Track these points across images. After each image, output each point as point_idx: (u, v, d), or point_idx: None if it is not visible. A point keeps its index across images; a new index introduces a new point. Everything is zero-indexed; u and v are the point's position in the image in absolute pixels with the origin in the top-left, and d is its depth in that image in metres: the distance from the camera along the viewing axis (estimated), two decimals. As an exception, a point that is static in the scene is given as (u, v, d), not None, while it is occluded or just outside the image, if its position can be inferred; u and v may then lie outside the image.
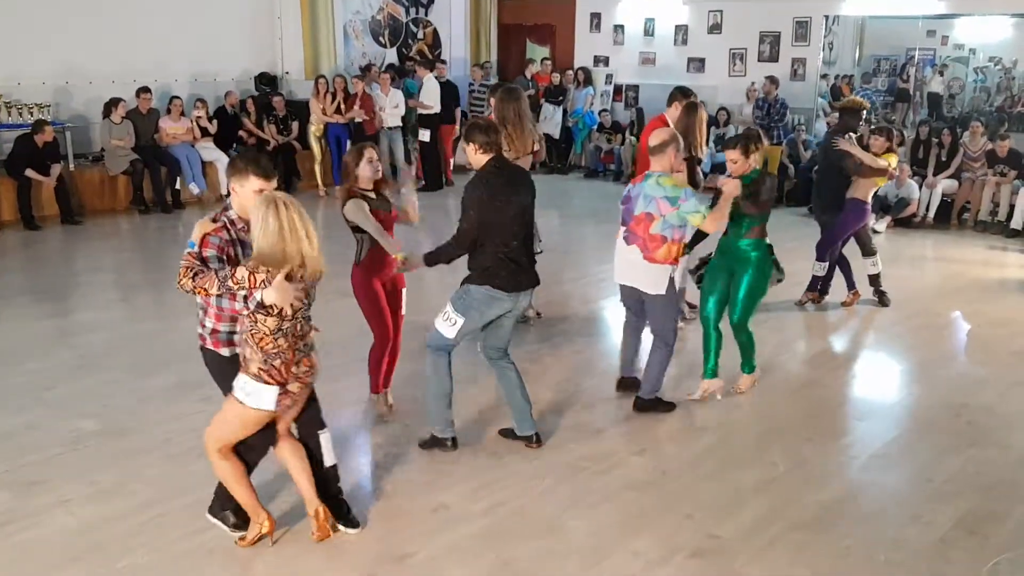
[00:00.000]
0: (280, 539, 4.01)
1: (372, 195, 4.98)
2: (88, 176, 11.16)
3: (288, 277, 3.56)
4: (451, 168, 13.35)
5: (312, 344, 3.83)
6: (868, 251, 7.66)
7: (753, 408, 5.61)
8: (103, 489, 4.45)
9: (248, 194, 3.72)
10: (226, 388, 3.82)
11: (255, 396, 3.64)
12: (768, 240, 5.57)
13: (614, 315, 7.40)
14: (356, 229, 4.99)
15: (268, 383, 3.63)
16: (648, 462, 4.87)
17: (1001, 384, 6.06)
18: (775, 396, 5.84)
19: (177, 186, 11.40)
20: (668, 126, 6.66)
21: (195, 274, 3.60)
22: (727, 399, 5.69)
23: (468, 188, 4.67)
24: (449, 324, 4.72)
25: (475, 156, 4.68)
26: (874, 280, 7.75)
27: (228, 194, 3.92)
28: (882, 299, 7.76)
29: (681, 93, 6.73)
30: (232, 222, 3.77)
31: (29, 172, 10.13)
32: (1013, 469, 4.87)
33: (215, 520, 4.06)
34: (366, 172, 4.94)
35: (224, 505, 4.04)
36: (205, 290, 3.59)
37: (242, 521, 4.01)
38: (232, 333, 3.84)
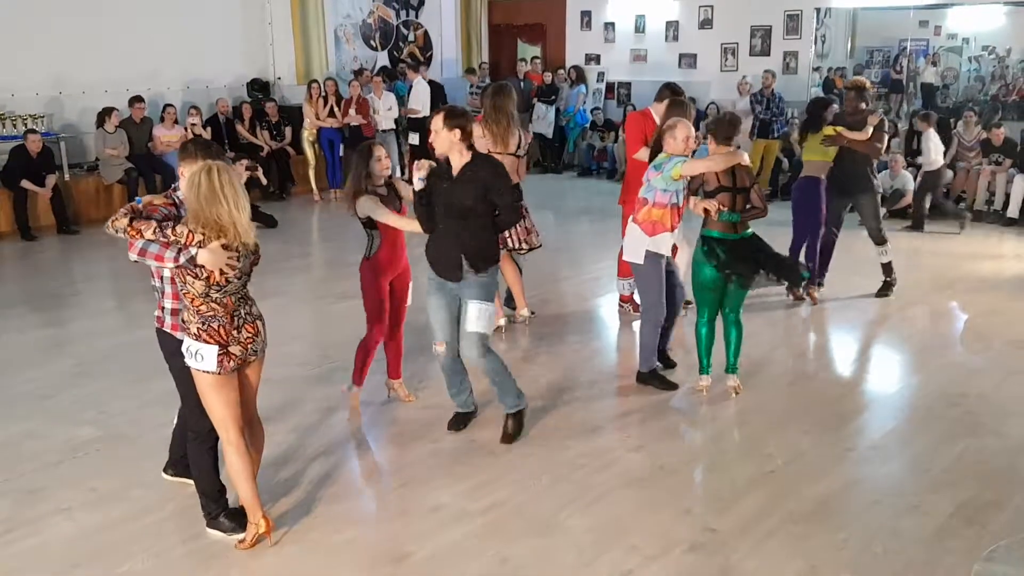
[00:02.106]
0: (280, 540, 4.03)
1: (383, 190, 5.05)
2: (83, 186, 11.17)
3: (225, 246, 3.64)
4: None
5: (259, 314, 3.90)
6: (878, 240, 7.64)
7: (750, 401, 5.62)
8: (103, 496, 4.46)
9: None
10: (175, 367, 3.96)
11: (198, 357, 3.72)
12: (705, 233, 5.47)
13: (609, 313, 7.41)
14: (367, 224, 5.05)
15: (208, 342, 3.70)
16: (645, 458, 4.88)
17: (998, 373, 6.07)
18: (772, 389, 5.85)
19: (172, 193, 11.39)
20: (652, 120, 6.66)
21: (132, 218, 3.63)
22: (724, 393, 5.72)
23: None
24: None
25: None
26: (886, 269, 7.72)
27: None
28: (886, 289, 7.73)
29: (669, 90, 6.70)
30: (180, 202, 3.86)
31: (24, 183, 10.15)
32: (1010, 457, 4.88)
33: (214, 531, 4.07)
34: (376, 170, 5.01)
35: (214, 511, 4.07)
36: (140, 232, 3.60)
37: (237, 523, 4.04)
38: None
